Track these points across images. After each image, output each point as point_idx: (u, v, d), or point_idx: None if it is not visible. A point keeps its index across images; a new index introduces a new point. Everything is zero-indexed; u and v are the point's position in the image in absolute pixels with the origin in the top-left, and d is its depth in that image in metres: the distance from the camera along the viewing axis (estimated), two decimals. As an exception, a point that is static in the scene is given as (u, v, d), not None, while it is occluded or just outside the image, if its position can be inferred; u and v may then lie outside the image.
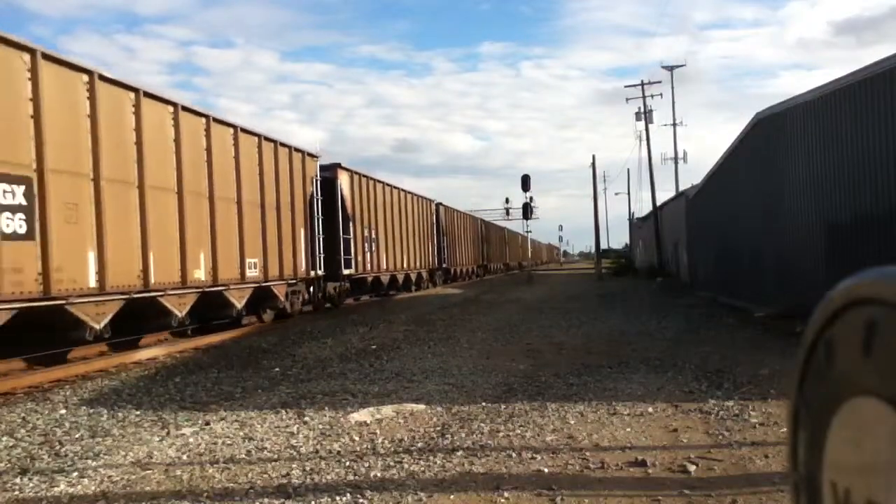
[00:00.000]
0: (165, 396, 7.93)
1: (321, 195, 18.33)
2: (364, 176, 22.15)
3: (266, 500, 4.27)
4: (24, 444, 5.96)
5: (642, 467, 4.68)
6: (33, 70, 9.00)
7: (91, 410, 7.26)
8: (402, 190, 27.04)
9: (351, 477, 4.66)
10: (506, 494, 4.23)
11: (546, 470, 4.69)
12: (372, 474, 4.71)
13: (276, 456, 5.25)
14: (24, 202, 8.74)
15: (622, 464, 4.78)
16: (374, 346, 11.55)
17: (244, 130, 14.55)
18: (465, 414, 6.43)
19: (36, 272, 8.90)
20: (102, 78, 10.28)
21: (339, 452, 5.28)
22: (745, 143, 16.54)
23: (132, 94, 11.02)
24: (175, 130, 12.10)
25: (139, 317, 11.60)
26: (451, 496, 4.26)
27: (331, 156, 19.40)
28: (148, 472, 4.95)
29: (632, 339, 11.51)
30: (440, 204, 34.53)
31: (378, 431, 5.89)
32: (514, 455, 5.05)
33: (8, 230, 8.47)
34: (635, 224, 60.01)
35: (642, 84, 43.83)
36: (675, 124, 48.36)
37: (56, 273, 9.15)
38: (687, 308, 17.39)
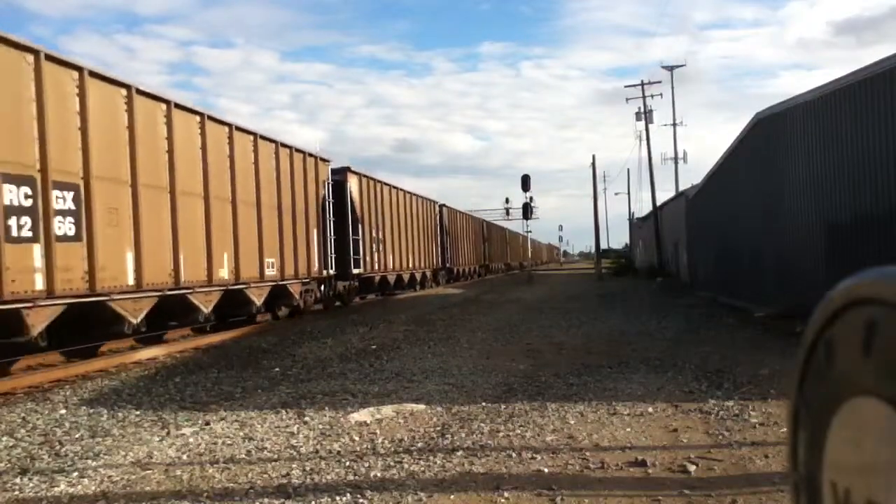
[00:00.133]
0: (165, 396, 7.93)
1: (332, 197, 19.05)
2: (372, 179, 22.88)
3: (266, 500, 4.27)
4: (24, 444, 5.96)
5: (642, 467, 4.68)
6: (81, 86, 9.83)
7: (91, 410, 7.26)
8: (408, 192, 27.72)
9: (351, 477, 4.66)
10: (506, 494, 4.23)
11: (546, 470, 4.69)
12: (372, 474, 4.71)
13: (276, 456, 5.25)
14: (73, 207, 9.55)
15: (622, 464, 4.78)
16: (374, 346, 11.55)
17: (263, 137, 15.27)
18: (465, 414, 6.43)
19: (83, 271, 9.67)
20: (139, 91, 11.09)
21: (339, 452, 5.28)
22: (745, 143, 16.54)
23: (164, 106, 11.82)
24: (201, 139, 12.85)
25: (169, 313, 12.32)
26: (451, 496, 4.26)
27: (330, 156, 19.46)
28: (148, 472, 4.95)
29: (632, 339, 11.51)
30: (444, 205, 35.09)
31: (378, 431, 5.89)
32: (514, 455, 5.05)
33: (60, 232, 9.27)
34: (635, 224, 60.02)
35: (642, 84, 43.87)
36: (675, 124, 48.41)
37: (100, 272, 9.91)
38: (687, 308, 17.39)
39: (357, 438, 5.68)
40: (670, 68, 47.53)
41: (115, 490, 4.57)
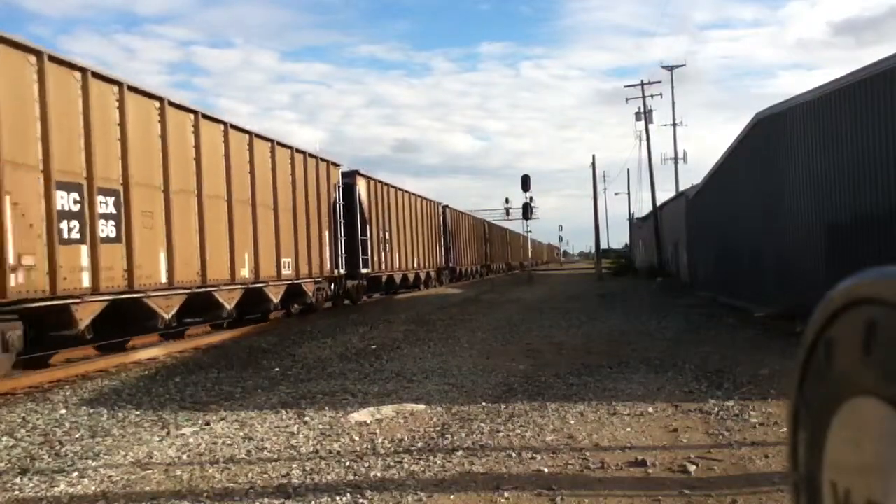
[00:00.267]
0: (165, 396, 7.93)
1: (342, 200, 19.89)
2: (379, 182, 23.81)
3: (266, 500, 4.27)
4: (24, 444, 5.96)
5: (642, 467, 4.68)
6: (120, 100, 10.67)
7: (91, 410, 7.26)
8: (413, 194, 28.54)
9: (351, 477, 4.66)
10: (506, 494, 4.23)
11: (546, 470, 4.69)
12: (372, 474, 4.71)
13: (276, 456, 5.25)
14: (114, 211, 10.41)
15: (622, 464, 4.78)
16: (374, 346, 11.55)
17: (280, 144, 16.13)
18: (465, 414, 6.43)
19: (123, 269, 10.54)
20: (171, 103, 11.92)
21: (339, 452, 5.28)
22: (745, 143, 16.54)
23: (192, 116, 12.63)
24: (224, 146, 13.67)
25: (195, 309, 13.05)
26: (451, 496, 4.26)
27: (330, 156, 19.68)
28: (148, 472, 4.95)
29: (632, 339, 11.51)
30: (447, 206, 35.75)
31: (378, 431, 5.89)
32: (514, 455, 5.05)
33: (103, 234, 10.12)
34: (635, 224, 60.02)
35: (642, 84, 43.87)
36: (675, 124, 48.38)
37: (137, 270, 10.76)
38: (687, 308, 17.39)
39: (357, 438, 5.68)
40: (670, 68, 47.54)
41: (115, 490, 4.57)
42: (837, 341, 0.85)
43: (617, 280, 37.83)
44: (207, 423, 6.38)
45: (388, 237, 24.25)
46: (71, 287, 9.43)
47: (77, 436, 6.16)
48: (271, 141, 15.71)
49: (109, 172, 10.35)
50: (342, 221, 19.68)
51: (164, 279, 11.50)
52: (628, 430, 5.69)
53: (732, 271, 18.47)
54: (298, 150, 17.15)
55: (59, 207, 9.27)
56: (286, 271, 16.02)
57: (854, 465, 0.82)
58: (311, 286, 17.61)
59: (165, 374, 9.57)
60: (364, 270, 21.42)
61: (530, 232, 55.11)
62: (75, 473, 4.95)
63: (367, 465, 4.92)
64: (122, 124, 10.65)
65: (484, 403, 6.86)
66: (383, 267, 23.67)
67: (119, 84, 10.64)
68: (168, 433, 6.09)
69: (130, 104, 10.83)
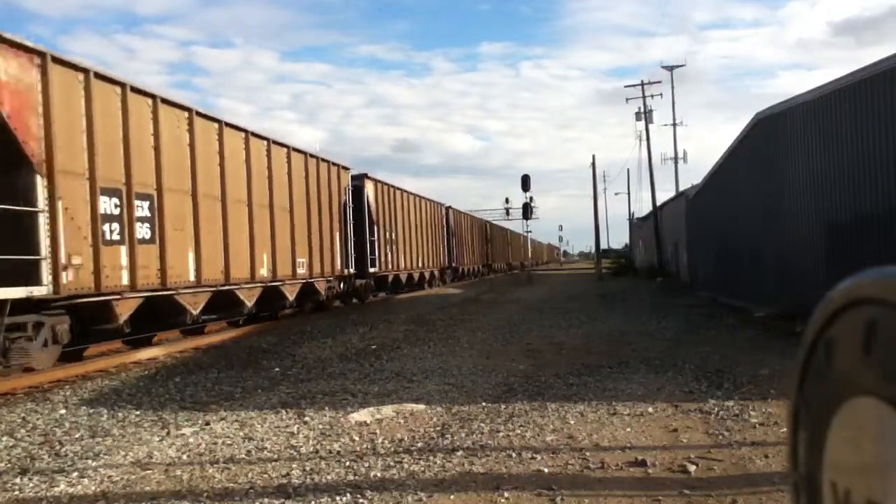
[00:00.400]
0: (165, 396, 7.93)
1: (351, 202, 20.84)
2: (386, 184, 24.73)
3: (266, 500, 4.27)
4: (24, 444, 5.96)
5: (642, 467, 4.68)
6: (154, 112, 11.47)
7: (91, 410, 7.26)
8: (417, 196, 29.40)
9: (351, 477, 4.66)
10: (506, 494, 4.23)
11: (546, 470, 4.69)
12: (372, 474, 4.70)
13: (276, 456, 5.25)
14: (149, 214, 11.19)
15: (622, 464, 4.78)
16: (374, 346, 11.55)
17: (295, 150, 16.91)
18: (465, 414, 6.43)
19: (156, 269, 11.33)
20: (198, 113, 12.75)
21: (339, 452, 5.27)
22: (745, 143, 16.54)
23: (216, 125, 13.42)
24: (245, 152, 14.49)
25: (218, 306, 13.67)
26: (451, 496, 4.26)
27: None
28: (148, 472, 4.95)
29: (632, 339, 11.51)
30: (450, 207, 36.55)
31: (378, 431, 5.89)
32: (514, 455, 5.05)
33: (140, 236, 10.88)
34: (635, 224, 60.01)
35: (642, 84, 43.84)
36: (675, 124, 48.35)
37: (169, 269, 11.56)
38: (687, 308, 17.39)
39: (357, 438, 5.68)
40: (670, 68, 47.51)
41: (115, 490, 4.57)
42: (837, 341, 0.85)
43: (617, 280, 37.83)
44: (207, 423, 6.38)
45: (394, 238, 25.06)
46: (112, 284, 10.24)
47: (77, 436, 6.16)
48: (287, 147, 16.47)
49: (145, 179, 11.15)
50: (352, 223, 20.57)
51: (192, 277, 12.30)
52: (628, 430, 5.69)
53: (732, 271, 18.47)
54: (311, 155, 17.91)
55: (102, 211, 10.10)
56: (301, 270, 16.81)
57: (854, 465, 0.82)
58: (323, 285, 18.40)
59: (165, 374, 9.57)
60: (372, 270, 22.33)
61: (530, 232, 55.18)
62: (75, 473, 4.95)
63: (367, 465, 4.92)
64: (156, 134, 11.46)
65: (484, 403, 6.86)
66: (390, 266, 24.52)
67: (153, 97, 11.49)
68: (168, 433, 6.09)
69: (163, 115, 11.65)
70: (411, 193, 28.30)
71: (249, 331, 14.89)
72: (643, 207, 56.21)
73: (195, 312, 12.44)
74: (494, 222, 56.89)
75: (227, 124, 13.73)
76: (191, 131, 12.45)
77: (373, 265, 22.38)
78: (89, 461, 5.28)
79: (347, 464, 4.95)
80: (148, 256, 11.07)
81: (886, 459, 0.76)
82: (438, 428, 5.95)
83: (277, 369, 9.55)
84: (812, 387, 0.91)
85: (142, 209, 10.99)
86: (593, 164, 44.35)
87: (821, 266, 11.53)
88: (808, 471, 0.91)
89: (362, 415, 6.44)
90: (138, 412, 7.07)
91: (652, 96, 44.26)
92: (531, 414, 6.32)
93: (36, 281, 8.89)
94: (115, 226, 10.37)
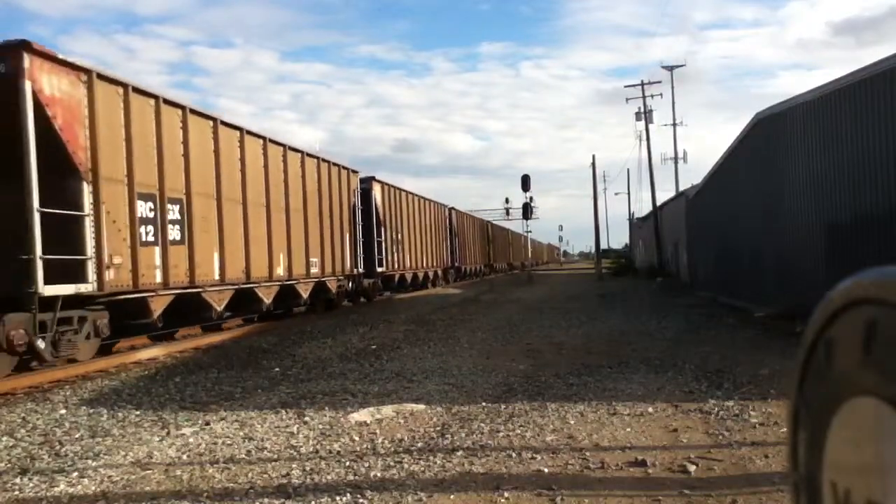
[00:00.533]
0: (165, 396, 7.93)
1: (360, 204, 21.64)
2: (393, 187, 25.70)
3: (266, 500, 4.27)
4: (24, 444, 5.96)
5: (642, 467, 4.68)
6: (184, 122, 12.22)
7: (91, 410, 7.26)
8: (422, 197, 30.31)
9: (351, 477, 4.66)
10: (506, 494, 4.23)
11: (546, 470, 4.69)
12: (372, 474, 4.70)
13: (276, 456, 5.25)
14: (179, 217, 11.95)
15: (622, 464, 4.78)
16: (374, 346, 11.55)
17: (308, 154, 17.73)
18: (465, 414, 6.43)
19: (186, 268, 12.08)
20: (222, 122, 13.51)
21: (339, 452, 5.27)
22: (745, 143, 16.54)
23: (238, 133, 14.16)
24: (263, 158, 15.23)
25: (239, 303, 14.46)
26: (451, 496, 4.26)
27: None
28: (148, 472, 4.95)
29: (632, 339, 11.51)
30: (453, 208, 37.45)
31: (378, 431, 5.89)
32: (514, 455, 5.05)
33: (171, 237, 11.65)
34: (635, 224, 60.00)
35: (642, 84, 43.83)
36: (675, 124, 48.35)
37: (197, 269, 12.33)
38: (687, 308, 17.39)
39: (357, 438, 5.68)
40: (670, 68, 47.50)
41: (115, 490, 4.57)
42: (837, 341, 0.85)
43: (617, 280, 37.83)
44: (207, 423, 6.38)
45: (400, 238, 26.00)
46: (147, 282, 11.06)
47: (77, 436, 6.16)
48: (301, 152, 17.26)
49: (175, 184, 11.90)
50: (360, 224, 21.44)
51: (217, 276, 13.10)
52: (628, 430, 5.69)
53: (732, 271, 18.47)
54: (324, 160, 18.73)
55: (139, 215, 10.88)
56: (314, 270, 17.61)
57: (854, 465, 0.82)
58: (334, 283, 19.25)
59: (165, 374, 9.57)
60: (379, 270, 23.27)
61: (530, 232, 55.25)
62: (75, 473, 4.95)
63: (367, 465, 4.92)
64: (185, 142, 12.21)
65: (484, 403, 6.86)
66: (396, 266, 25.45)
67: (182, 108, 12.26)
68: (168, 433, 6.09)
69: (191, 124, 12.38)
70: (416, 195, 29.19)
71: (249, 331, 14.91)
72: (643, 207, 56.21)
73: (219, 309, 13.28)
74: (495, 222, 57.08)
75: (248, 132, 14.53)
76: (215, 139, 13.22)
77: (380, 265, 23.22)
78: (89, 461, 5.27)
79: (347, 464, 4.95)
80: (178, 256, 11.88)
81: (886, 459, 0.76)
82: (438, 428, 5.95)
83: (277, 369, 9.55)
84: (812, 387, 0.91)
85: (173, 212, 11.78)
86: (593, 164, 44.40)
87: (821, 266, 11.53)
88: (808, 471, 0.91)
89: (362, 415, 6.44)
90: (138, 412, 7.07)
91: (652, 96, 44.29)
92: (531, 414, 6.32)
93: (82, 279, 9.67)
94: (150, 228, 11.18)
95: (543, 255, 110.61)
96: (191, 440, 5.79)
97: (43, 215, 8.93)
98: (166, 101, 11.73)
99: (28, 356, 9.32)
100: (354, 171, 21.39)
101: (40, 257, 8.84)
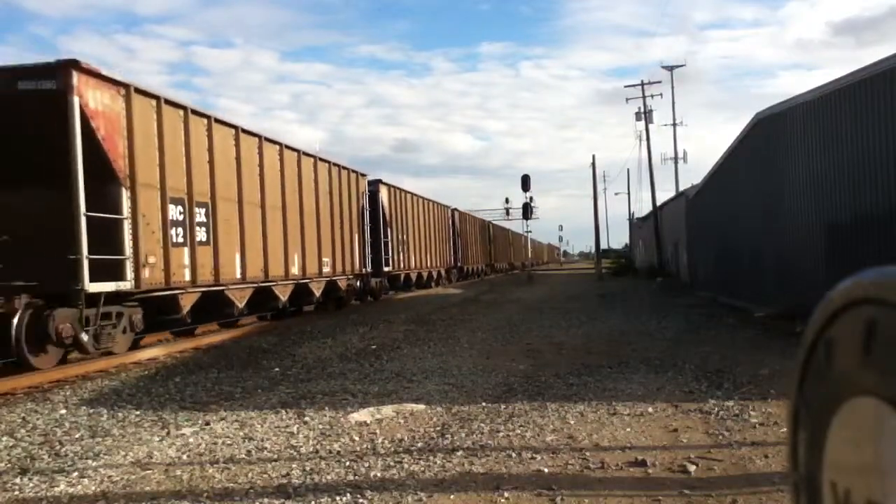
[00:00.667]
0: (165, 396, 7.93)
1: (368, 206, 22.46)
2: (398, 189, 26.65)
3: (266, 500, 4.27)
4: (24, 444, 5.96)
5: (642, 467, 4.68)
6: (209, 130, 13.04)
7: (91, 410, 7.26)
8: (426, 199, 31.20)
9: (351, 477, 4.66)
10: (506, 494, 4.23)
11: (546, 470, 4.69)
12: (372, 474, 4.71)
13: (276, 456, 5.25)
14: (205, 220, 12.76)
15: (622, 464, 4.78)
16: (373, 346, 11.56)
17: (321, 159, 18.60)
18: (465, 414, 6.43)
19: (211, 267, 12.86)
20: (243, 130, 14.34)
21: (339, 452, 5.28)
22: (745, 143, 16.54)
23: (256, 140, 14.95)
24: (280, 163, 16.03)
25: (258, 301, 15.15)
26: (451, 496, 4.26)
27: (330, 156, 20.44)
28: (148, 472, 4.95)
29: (632, 339, 11.51)
30: (455, 209, 38.26)
31: (378, 431, 5.89)
32: (514, 455, 5.05)
33: (198, 239, 12.47)
34: (635, 224, 59.99)
35: (642, 84, 43.83)
36: (675, 124, 48.34)
37: (221, 268, 13.13)
38: (687, 308, 17.39)
39: (357, 438, 5.68)
40: (670, 68, 47.49)
41: (115, 490, 4.57)
42: (837, 341, 0.85)
43: (617, 280, 37.83)
44: (207, 423, 6.38)
45: (405, 239, 26.89)
46: (178, 280, 11.85)
47: (77, 436, 6.16)
48: (314, 157, 18.05)
49: (202, 188, 12.68)
50: (368, 225, 22.22)
51: (238, 275, 13.88)
52: (628, 430, 5.69)
53: (732, 271, 18.47)
54: (335, 164, 19.54)
55: (170, 218, 11.64)
56: (326, 269, 18.43)
57: (854, 465, 0.82)
58: (344, 282, 20.11)
59: (165, 374, 9.57)
60: (386, 269, 24.13)
61: (530, 232, 55.26)
62: (75, 473, 4.95)
63: (367, 465, 4.92)
64: (210, 149, 12.98)
65: (484, 403, 6.86)
66: (401, 266, 26.34)
67: (208, 117, 13.06)
68: (168, 433, 6.09)
69: (216, 133, 13.19)
70: (421, 197, 30.09)
71: (249, 331, 14.93)
72: (643, 207, 56.16)
73: (241, 305, 14.10)
74: (495, 223, 57.18)
75: (266, 139, 15.34)
76: (237, 146, 14.01)
77: (387, 265, 24.05)
78: (89, 461, 5.27)
79: (347, 464, 4.95)
80: (205, 256, 12.67)
81: (886, 459, 0.76)
82: (438, 428, 5.95)
83: (277, 369, 9.55)
84: (812, 387, 0.91)
85: (200, 215, 12.57)
86: (593, 164, 44.41)
87: (821, 266, 11.53)
88: (808, 471, 0.91)
89: (362, 415, 6.44)
90: (138, 412, 7.07)
91: (652, 96, 44.27)
92: (531, 414, 6.32)
93: (121, 277, 10.49)
94: (180, 230, 11.97)
95: (543, 255, 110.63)
96: (191, 440, 5.79)
97: (87, 219, 9.69)
98: (194, 112, 12.55)
99: (72, 348, 10.21)
100: (363, 175, 22.20)
101: (86, 257, 9.61)
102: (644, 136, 41.35)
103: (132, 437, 5.99)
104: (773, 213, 14.18)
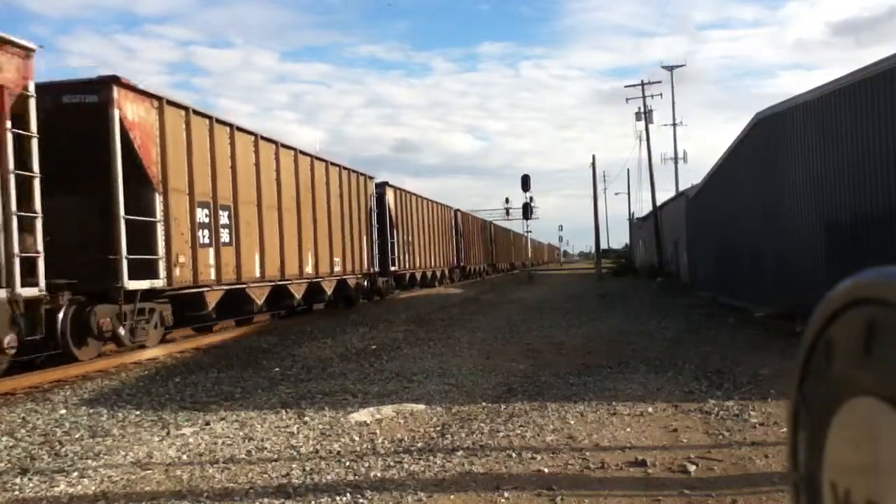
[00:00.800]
0: (165, 396, 7.93)
1: (375, 208, 23.32)
2: (404, 191, 27.60)
3: (266, 500, 4.27)
4: (24, 444, 5.96)
5: (642, 467, 4.68)
6: (231, 138, 13.96)
7: (91, 410, 7.26)
8: (430, 200, 32.00)
9: (351, 477, 4.66)
10: (506, 494, 4.23)
11: (546, 470, 4.69)
12: (372, 474, 4.71)
13: (276, 456, 5.25)
14: (228, 222, 13.66)
15: (622, 464, 4.78)
16: (374, 346, 11.56)
17: (332, 163, 19.44)
18: (465, 414, 6.43)
19: (234, 266, 13.75)
20: (262, 137, 15.25)
21: (339, 452, 5.28)
22: (745, 143, 16.54)
23: (273, 146, 15.83)
24: (295, 167, 16.80)
25: (274, 299, 15.98)
26: (451, 496, 4.26)
27: (330, 156, 20.72)
28: (148, 472, 4.95)
29: (632, 339, 11.51)
30: (458, 210, 39.10)
31: (378, 431, 5.89)
32: (514, 455, 5.05)
33: (223, 240, 13.36)
34: (635, 224, 59.97)
35: (642, 84, 43.80)
36: (675, 124, 48.28)
37: (243, 267, 14.02)
38: (687, 308, 17.39)
39: (357, 438, 5.68)
40: (670, 68, 47.43)
41: (115, 490, 4.57)
42: (837, 341, 0.85)
43: (617, 280, 37.83)
44: (207, 423, 6.38)
45: (410, 240, 27.78)
46: (204, 279, 12.69)
47: (77, 436, 6.16)
48: (325, 161, 18.92)
49: (225, 193, 13.54)
50: (375, 226, 23.08)
51: (258, 274, 14.70)
52: (628, 430, 5.69)
53: (732, 271, 18.47)
54: (345, 168, 20.42)
55: (198, 220, 12.48)
56: (337, 268, 19.22)
57: (854, 465, 0.82)
58: (353, 281, 20.91)
59: (165, 374, 9.57)
60: (392, 269, 25.04)
61: (530, 232, 55.12)
62: (75, 473, 4.95)
63: (367, 465, 4.92)
64: (232, 155, 13.86)
65: (484, 403, 6.86)
66: (407, 266, 27.25)
67: (230, 125, 13.96)
68: (168, 433, 6.09)
69: (237, 140, 14.05)
70: (425, 198, 30.93)
71: (249, 331, 14.93)
72: (643, 207, 56.11)
73: (260, 303, 14.97)
74: (496, 223, 57.26)
75: (283, 145, 16.22)
76: (256, 152, 14.91)
77: (393, 264, 24.99)
78: (89, 461, 5.27)
79: (347, 464, 4.95)
80: (228, 256, 13.52)
81: (886, 459, 0.76)
82: (438, 428, 5.95)
83: (277, 369, 9.55)
84: (812, 387, 0.91)
85: (224, 218, 13.41)
86: (593, 164, 44.40)
87: (821, 266, 11.52)
88: (808, 471, 0.91)
89: (362, 415, 6.44)
90: (138, 412, 7.07)
91: (652, 96, 44.21)
92: (531, 414, 6.32)
93: (155, 275, 11.32)
94: (206, 232, 12.80)
95: (544, 255, 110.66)
96: (191, 440, 5.79)
97: (126, 221, 10.60)
98: (218, 121, 13.45)
99: (111, 341, 11.03)
100: (371, 178, 23.10)
101: (125, 257, 10.57)
102: (644, 136, 41.36)
103: (132, 437, 5.99)
104: (773, 213, 14.18)
